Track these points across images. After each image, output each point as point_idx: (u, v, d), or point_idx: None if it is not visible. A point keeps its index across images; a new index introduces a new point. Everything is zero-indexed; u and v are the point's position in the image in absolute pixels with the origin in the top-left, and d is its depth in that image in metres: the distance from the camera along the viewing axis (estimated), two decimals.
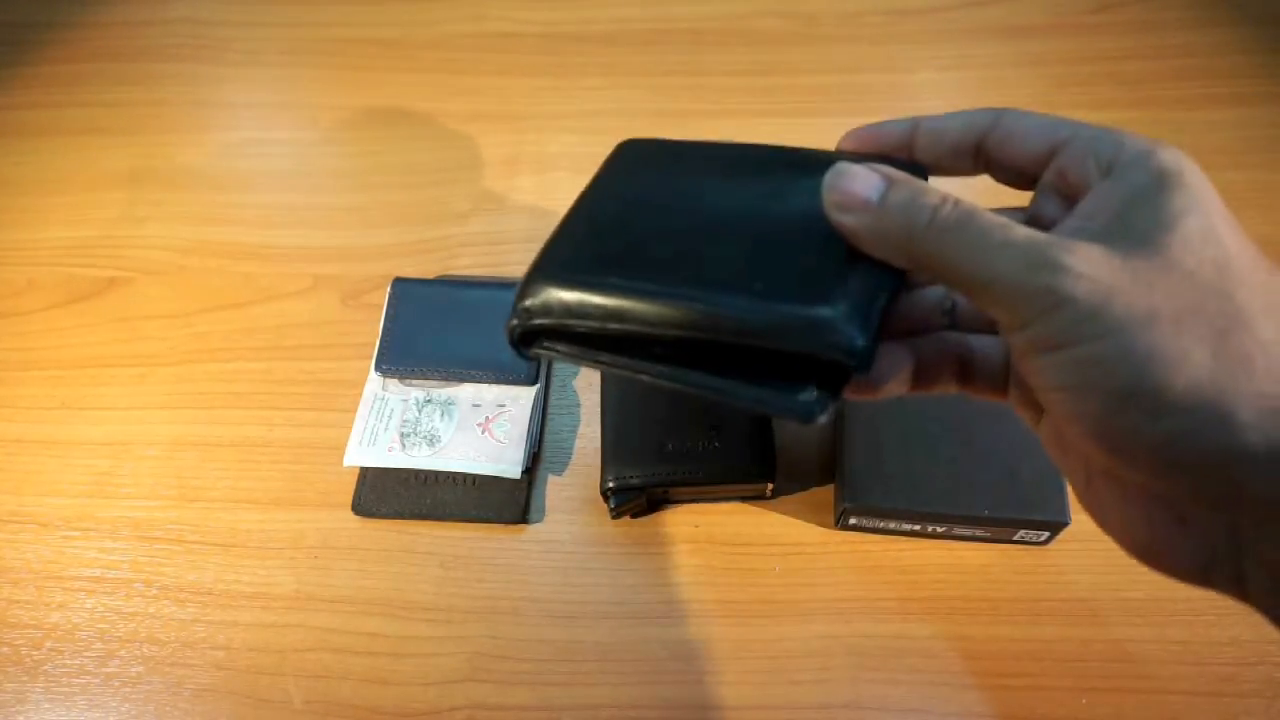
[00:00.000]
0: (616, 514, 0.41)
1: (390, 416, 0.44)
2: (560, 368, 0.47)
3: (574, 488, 0.44)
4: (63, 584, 0.42)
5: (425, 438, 0.43)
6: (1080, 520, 0.38)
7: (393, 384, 0.45)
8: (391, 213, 0.53)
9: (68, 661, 0.40)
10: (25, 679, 0.40)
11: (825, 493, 0.43)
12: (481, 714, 0.38)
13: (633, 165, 0.30)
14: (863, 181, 0.24)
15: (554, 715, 0.38)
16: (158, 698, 0.39)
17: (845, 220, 0.24)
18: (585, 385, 0.47)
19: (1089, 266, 0.20)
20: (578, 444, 0.45)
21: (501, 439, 0.43)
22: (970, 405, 0.40)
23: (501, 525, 0.43)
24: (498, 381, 0.45)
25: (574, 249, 0.27)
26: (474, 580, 0.42)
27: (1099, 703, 0.37)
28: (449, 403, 0.45)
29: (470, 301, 0.47)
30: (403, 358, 0.45)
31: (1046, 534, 0.39)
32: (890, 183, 0.23)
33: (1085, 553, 0.40)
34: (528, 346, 0.27)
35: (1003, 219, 0.22)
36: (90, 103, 0.58)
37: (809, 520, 0.42)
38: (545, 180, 0.54)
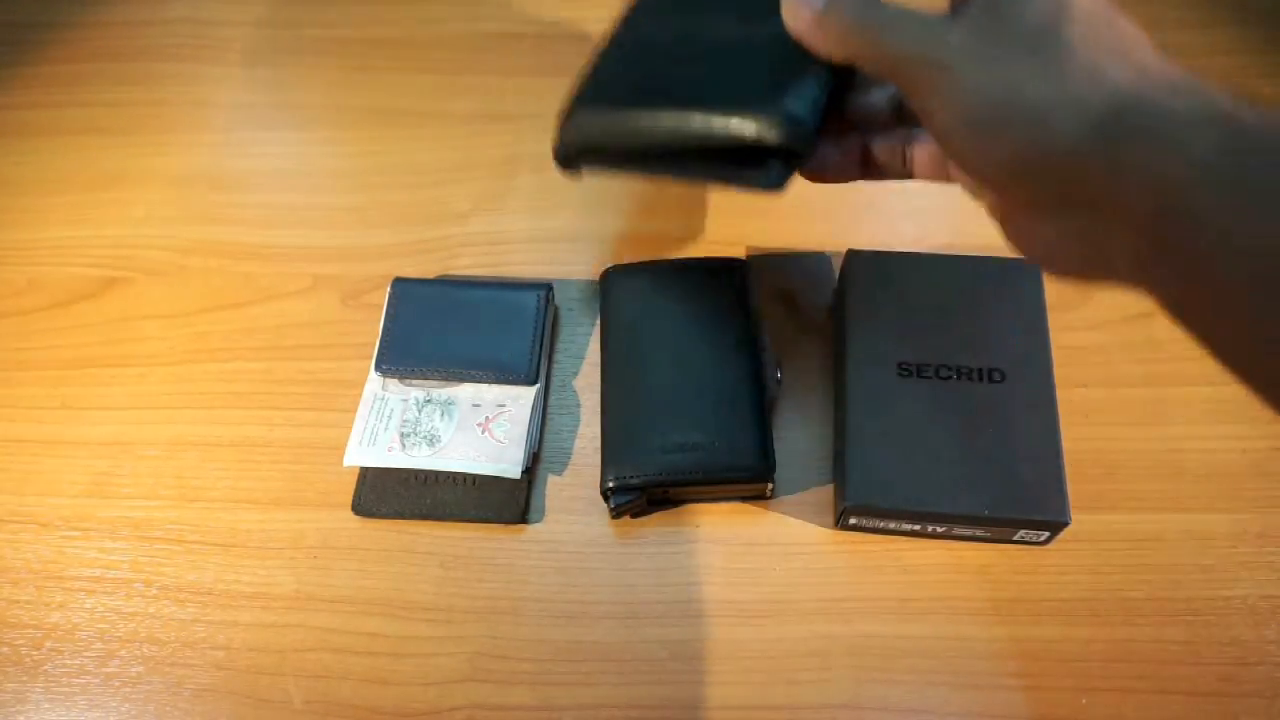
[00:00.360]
0: (616, 514, 0.41)
1: (390, 416, 0.44)
2: (560, 368, 0.47)
3: (574, 488, 0.44)
4: (62, 584, 0.42)
5: (425, 438, 0.43)
6: (1080, 520, 0.38)
7: (393, 384, 0.45)
8: (391, 213, 0.53)
9: (67, 661, 0.40)
10: (25, 679, 0.40)
11: (825, 493, 0.43)
12: (481, 714, 0.38)
13: (650, 10, 0.40)
14: None
15: (554, 715, 0.38)
16: (158, 698, 0.39)
17: (794, 25, 0.31)
18: (585, 385, 0.47)
19: (959, 32, 0.27)
20: (578, 444, 0.45)
21: (501, 439, 0.43)
22: (970, 405, 0.40)
23: (501, 525, 0.43)
24: (498, 381, 0.45)
25: (598, 87, 0.37)
26: (474, 580, 0.42)
27: (1099, 703, 0.37)
28: (449, 403, 0.45)
29: (470, 301, 0.47)
30: (403, 358, 0.45)
31: (1046, 534, 0.39)
32: None
33: (1085, 553, 0.40)
34: (570, 165, 0.39)
35: (909, 10, 0.29)
36: (90, 103, 0.58)
37: (809, 520, 0.42)
38: (545, 180, 0.54)
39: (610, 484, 0.41)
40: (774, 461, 0.41)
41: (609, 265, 0.48)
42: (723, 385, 0.42)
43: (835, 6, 0.30)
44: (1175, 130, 0.23)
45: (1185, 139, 0.23)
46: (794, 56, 0.32)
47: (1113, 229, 0.25)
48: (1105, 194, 0.25)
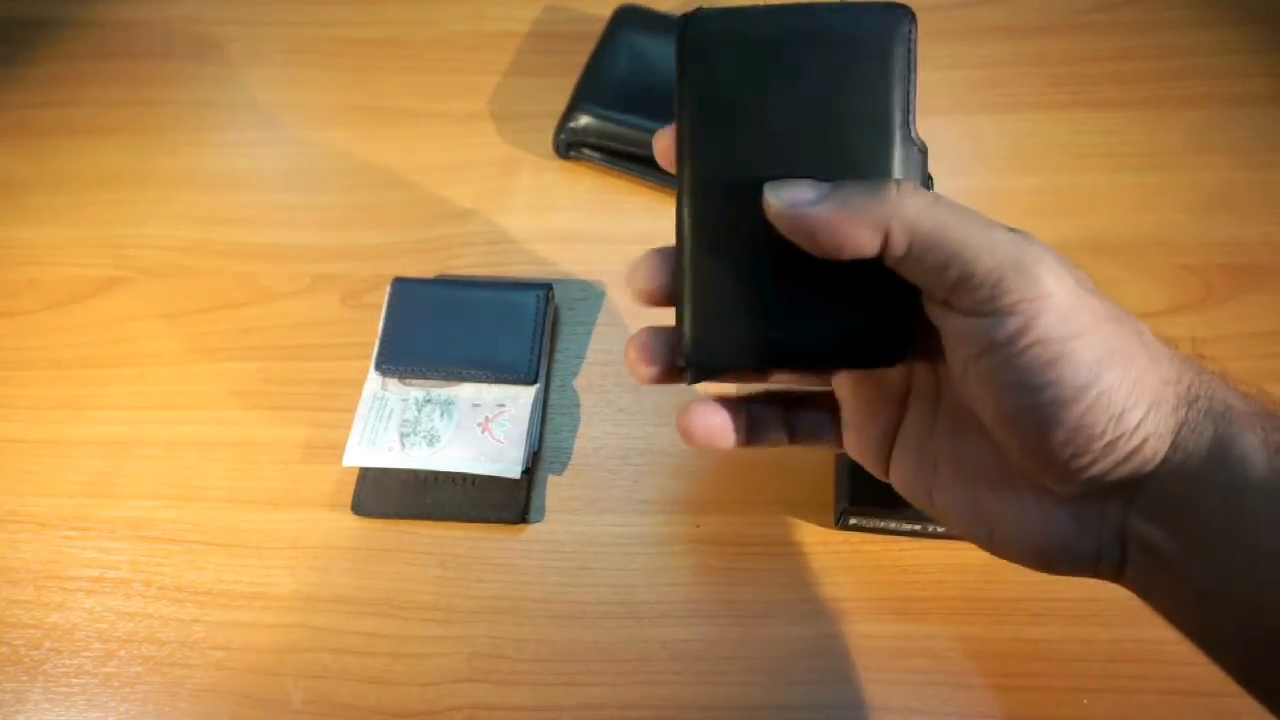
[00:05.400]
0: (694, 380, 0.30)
1: (390, 416, 0.44)
2: (560, 368, 0.47)
3: (574, 488, 0.44)
4: (62, 584, 0.42)
5: (425, 438, 0.43)
6: None
7: (392, 384, 0.45)
8: (391, 213, 0.53)
9: (67, 661, 0.40)
10: (24, 679, 0.40)
11: (825, 493, 0.43)
12: (481, 714, 0.38)
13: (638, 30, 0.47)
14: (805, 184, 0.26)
15: (554, 715, 0.38)
16: (157, 698, 0.39)
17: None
18: (585, 385, 0.47)
19: (1059, 269, 0.24)
20: (578, 444, 0.45)
21: (501, 439, 0.43)
22: None
23: (501, 525, 0.43)
24: (498, 381, 0.45)
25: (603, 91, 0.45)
26: (474, 580, 0.42)
27: (1099, 703, 0.37)
28: (449, 402, 0.45)
29: (470, 301, 0.47)
30: (402, 358, 0.45)
31: None
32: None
33: None
34: (571, 150, 0.48)
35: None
36: (90, 103, 0.58)
37: (809, 520, 0.42)
38: (545, 180, 0.54)
39: (696, 357, 0.29)
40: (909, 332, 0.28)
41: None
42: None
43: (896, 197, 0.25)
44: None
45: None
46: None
47: (1135, 524, 0.25)
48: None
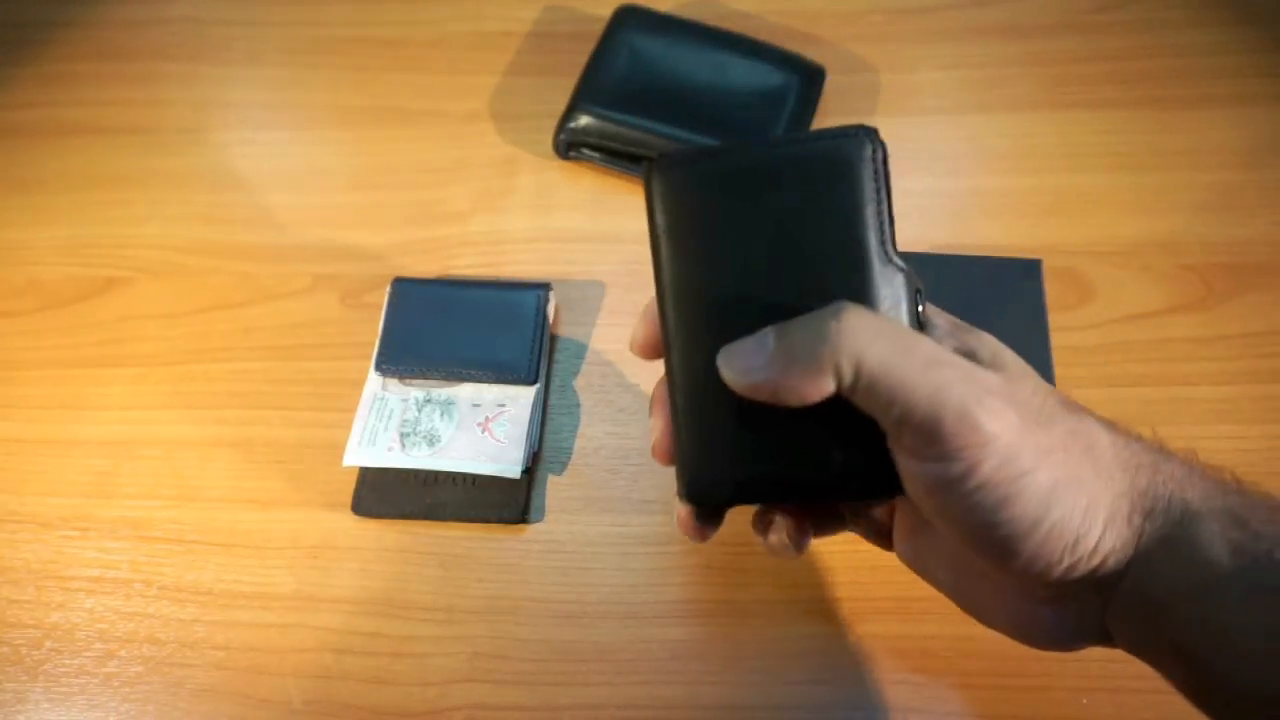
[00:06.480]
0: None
1: (390, 416, 0.44)
2: (560, 368, 0.47)
3: (574, 488, 0.44)
4: (62, 584, 0.42)
5: (425, 437, 0.43)
6: None
7: (392, 384, 0.45)
8: (391, 213, 0.53)
9: (67, 661, 0.40)
10: (25, 679, 0.40)
11: None
12: (481, 714, 0.38)
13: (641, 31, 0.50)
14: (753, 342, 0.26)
15: (554, 715, 0.38)
16: (157, 698, 0.39)
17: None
18: (585, 385, 0.47)
19: (1001, 407, 0.24)
20: (578, 444, 0.45)
21: (501, 439, 0.43)
22: None
23: (501, 525, 0.43)
24: (498, 381, 0.45)
25: (603, 91, 0.47)
26: (474, 580, 0.42)
27: (1100, 703, 0.37)
28: (449, 402, 0.45)
29: (470, 301, 0.47)
30: (402, 358, 0.45)
31: None
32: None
33: None
34: (571, 150, 0.51)
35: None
36: (90, 103, 0.58)
37: None
38: (545, 180, 0.54)
39: (692, 491, 0.30)
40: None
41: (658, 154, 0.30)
42: None
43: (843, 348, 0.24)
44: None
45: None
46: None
47: (1119, 623, 0.26)
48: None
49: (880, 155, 0.27)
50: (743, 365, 0.26)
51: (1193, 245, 0.49)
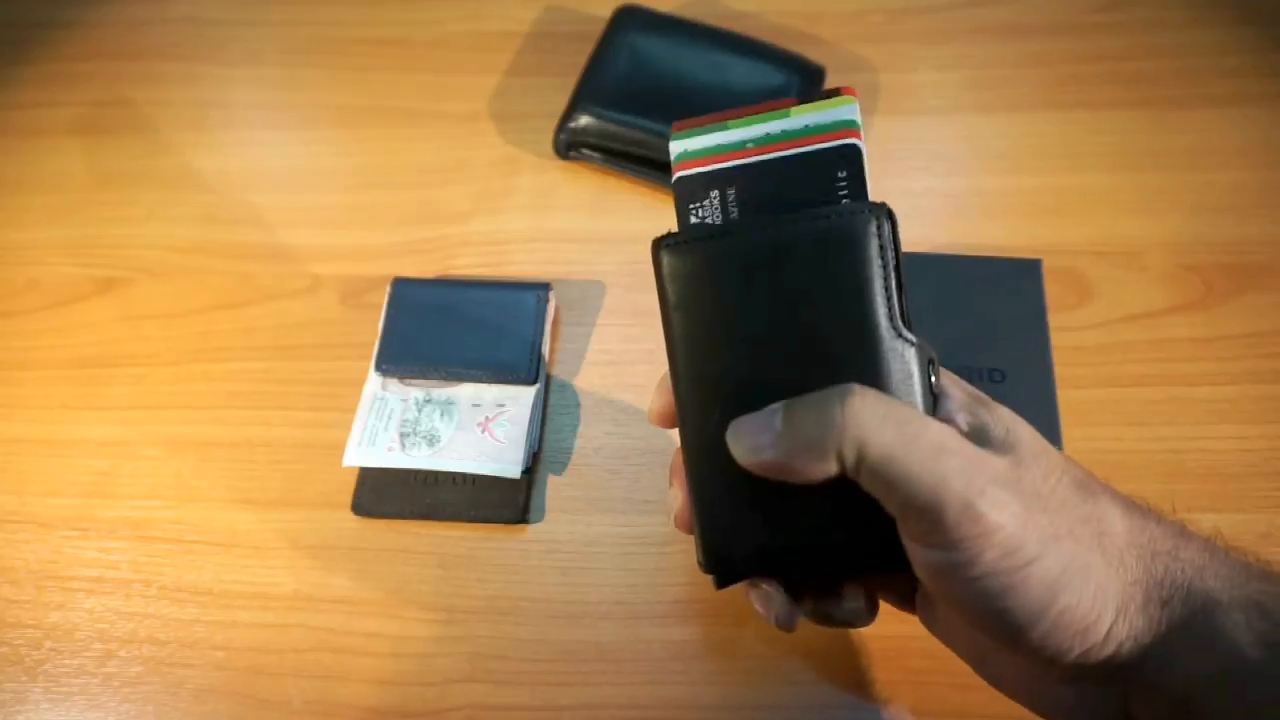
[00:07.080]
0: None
1: (390, 416, 0.44)
2: (560, 368, 0.47)
3: (574, 488, 0.44)
4: (62, 584, 0.42)
5: (425, 438, 0.43)
6: None
7: (392, 384, 0.45)
8: (391, 213, 0.53)
9: (67, 662, 0.40)
10: (25, 679, 0.40)
11: None
12: (481, 714, 0.38)
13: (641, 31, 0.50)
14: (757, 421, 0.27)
15: (554, 715, 0.38)
16: (157, 698, 0.39)
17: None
18: (585, 385, 0.47)
19: (1004, 496, 0.23)
20: (578, 444, 0.45)
21: (501, 439, 0.43)
22: None
23: (501, 525, 0.43)
24: (498, 381, 0.45)
25: (603, 91, 0.48)
26: (474, 580, 0.42)
27: None
28: (449, 402, 0.45)
29: (470, 301, 0.47)
30: (402, 358, 0.45)
31: None
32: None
33: None
34: (571, 150, 0.51)
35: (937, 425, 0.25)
36: (89, 103, 0.58)
37: None
38: (545, 180, 0.54)
39: (709, 563, 0.30)
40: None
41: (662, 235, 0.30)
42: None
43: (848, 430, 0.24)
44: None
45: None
46: None
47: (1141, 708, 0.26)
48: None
49: (888, 230, 0.27)
50: (751, 443, 0.26)
51: (1193, 245, 0.49)
